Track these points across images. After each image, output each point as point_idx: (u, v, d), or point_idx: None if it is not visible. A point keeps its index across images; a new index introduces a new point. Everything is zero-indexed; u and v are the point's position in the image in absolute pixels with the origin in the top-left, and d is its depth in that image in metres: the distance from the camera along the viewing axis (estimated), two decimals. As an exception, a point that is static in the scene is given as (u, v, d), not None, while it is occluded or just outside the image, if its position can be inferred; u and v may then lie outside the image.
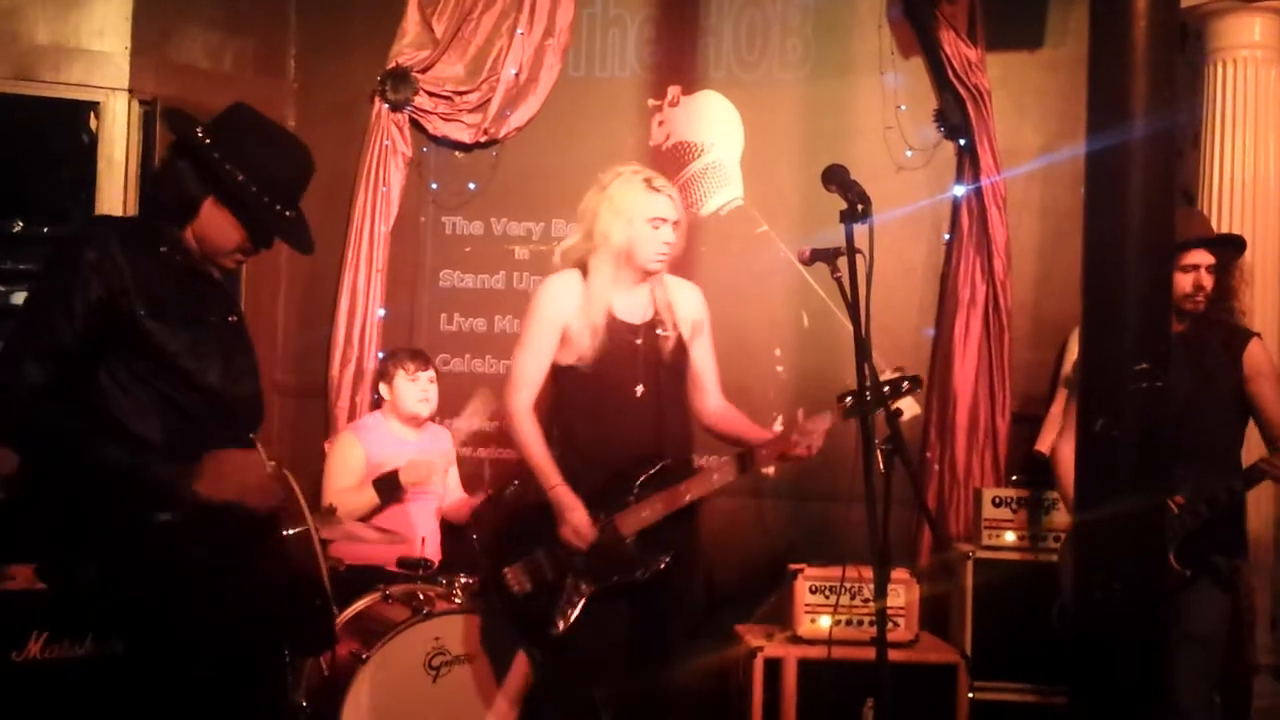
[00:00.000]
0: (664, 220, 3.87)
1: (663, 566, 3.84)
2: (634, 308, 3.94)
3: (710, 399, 4.10)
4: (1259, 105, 5.04)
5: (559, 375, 3.94)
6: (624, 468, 3.88)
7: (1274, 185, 5.07)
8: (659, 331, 3.94)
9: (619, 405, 3.89)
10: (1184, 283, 3.99)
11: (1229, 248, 4.17)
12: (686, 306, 4.03)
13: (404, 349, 5.15)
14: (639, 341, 3.90)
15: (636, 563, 3.86)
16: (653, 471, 3.88)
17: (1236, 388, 4.05)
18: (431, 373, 4.99)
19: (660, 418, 3.93)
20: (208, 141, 2.87)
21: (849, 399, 3.84)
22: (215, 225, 2.88)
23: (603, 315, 3.87)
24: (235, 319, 2.99)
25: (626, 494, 3.88)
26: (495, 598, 3.94)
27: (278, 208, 2.90)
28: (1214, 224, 4.89)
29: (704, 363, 4.07)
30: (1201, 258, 4.03)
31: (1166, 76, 2.89)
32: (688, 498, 3.89)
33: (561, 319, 3.90)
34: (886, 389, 3.78)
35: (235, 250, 2.93)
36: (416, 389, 4.94)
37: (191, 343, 2.81)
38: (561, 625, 3.79)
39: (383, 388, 5.03)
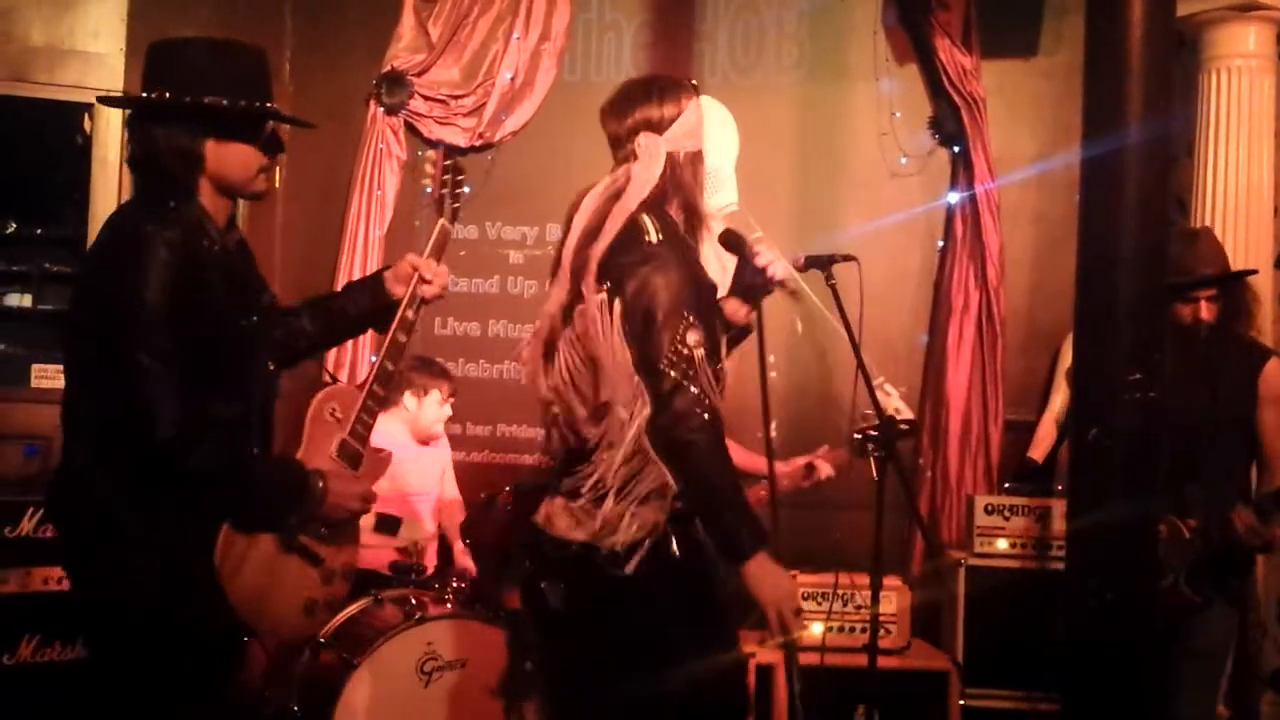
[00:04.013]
0: None
1: None
2: None
3: None
4: (1253, 114, 5.05)
5: None
6: None
7: (1267, 194, 5.09)
8: None
9: None
10: (1184, 313, 3.84)
11: (1226, 285, 3.93)
12: None
13: (436, 364, 4.99)
14: None
15: None
16: None
17: (1249, 410, 3.88)
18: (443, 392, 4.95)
19: None
20: (167, 95, 2.75)
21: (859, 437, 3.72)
22: (228, 161, 2.77)
23: None
24: (256, 316, 2.88)
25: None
26: (530, 609, 3.83)
27: (264, 105, 2.82)
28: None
29: None
30: (1200, 291, 3.85)
31: (1162, 84, 2.89)
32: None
33: None
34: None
35: (258, 172, 2.83)
36: (442, 413, 4.89)
37: (238, 349, 2.77)
38: None
39: (409, 397, 4.88)
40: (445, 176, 3.35)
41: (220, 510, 2.71)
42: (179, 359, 2.59)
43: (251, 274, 2.94)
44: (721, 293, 3.10)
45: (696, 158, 3.06)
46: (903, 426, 3.68)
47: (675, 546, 2.84)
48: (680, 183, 3.00)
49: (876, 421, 3.84)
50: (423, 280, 3.10)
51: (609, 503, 2.84)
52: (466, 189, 3.29)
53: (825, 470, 4.12)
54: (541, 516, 3.01)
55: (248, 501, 2.75)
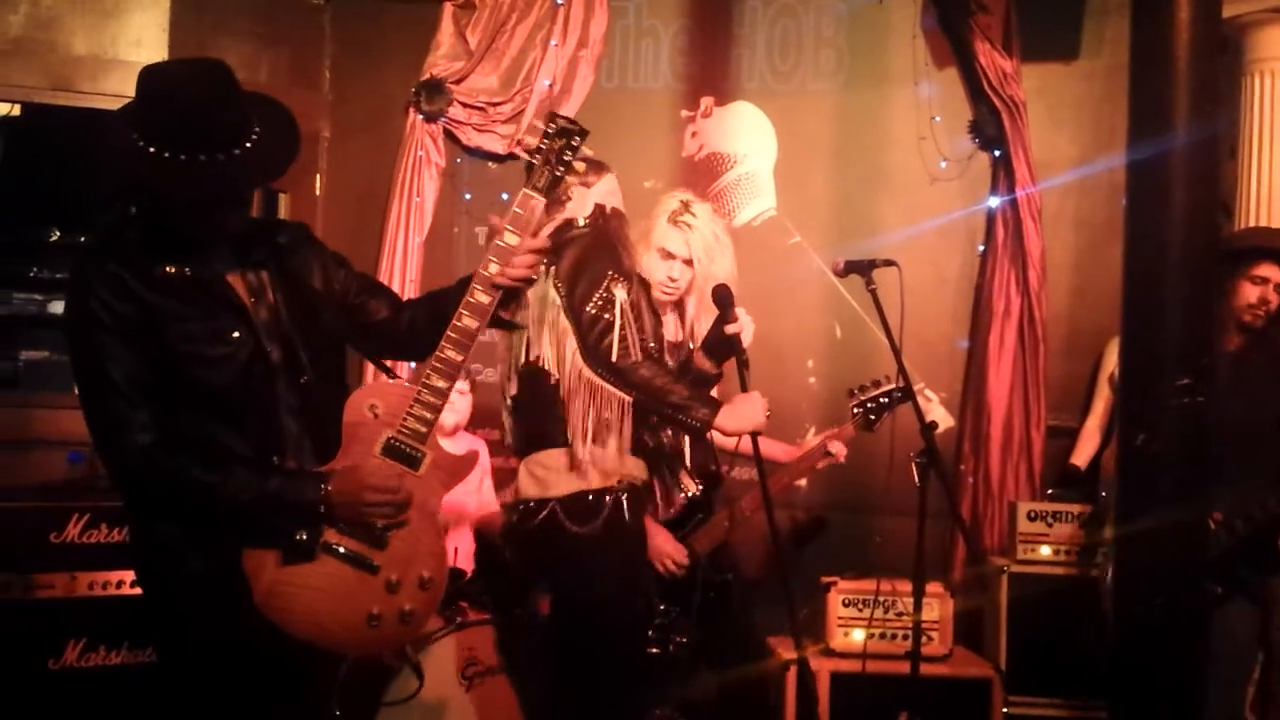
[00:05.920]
0: (672, 256, 3.80)
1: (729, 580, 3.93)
2: (669, 328, 3.97)
3: None
4: (1298, 117, 5.00)
5: None
6: (684, 483, 3.94)
7: (1313, 198, 5.03)
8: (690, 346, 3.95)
9: None
10: (1250, 293, 3.86)
11: None
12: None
13: None
14: (671, 362, 3.91)
15: (709, 583, 3.97)
16: (716, 487, 4.00)
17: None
18: (464, 384, 4.96)
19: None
20: (134, 135, 2.55)
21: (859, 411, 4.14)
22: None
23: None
24: (239, 334, 2.69)
25: (695, 512, 3.98)
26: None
27: (201, 158, 2.53)
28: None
29: None
30: (1274, 273, 3.90)
31: (1209, 86, 2.87)
32: (748, 511, 3.94)
33: None
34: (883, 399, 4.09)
35: (222, 208, 2.63)
36: (463, 403, 4.90)
37: (220, 367, 2.66)
38: (655, 650, 3.83)
39: None
40: (546, 139, 2.87)
41: (212, 525, 2.64)
42: (140, 380, 2.58)
43: (230, 295, 2.71)
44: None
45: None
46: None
47: (626, 510, 3.18)
48: None
49: (873, 391, 4.00)
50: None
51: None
52: (569, 157, 2.85)
53: (840, 450, 4.19)
54: (510, 492, 3.19)
55: (234, 517, 2.63)
